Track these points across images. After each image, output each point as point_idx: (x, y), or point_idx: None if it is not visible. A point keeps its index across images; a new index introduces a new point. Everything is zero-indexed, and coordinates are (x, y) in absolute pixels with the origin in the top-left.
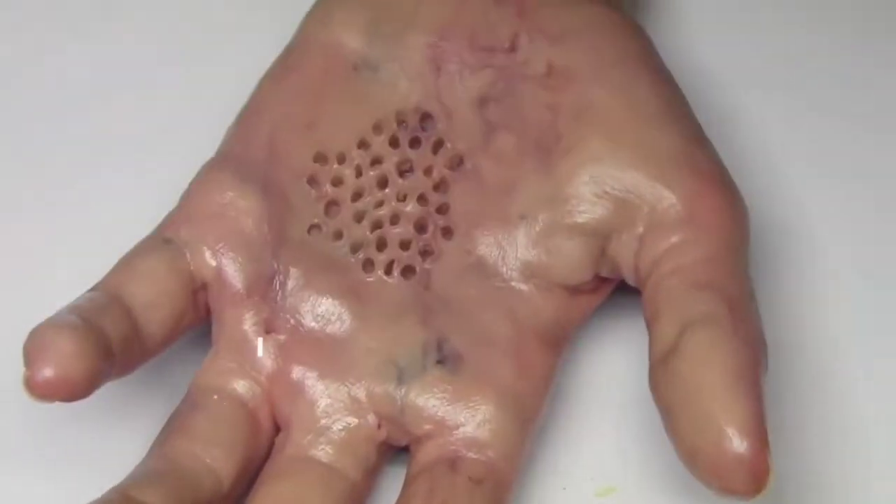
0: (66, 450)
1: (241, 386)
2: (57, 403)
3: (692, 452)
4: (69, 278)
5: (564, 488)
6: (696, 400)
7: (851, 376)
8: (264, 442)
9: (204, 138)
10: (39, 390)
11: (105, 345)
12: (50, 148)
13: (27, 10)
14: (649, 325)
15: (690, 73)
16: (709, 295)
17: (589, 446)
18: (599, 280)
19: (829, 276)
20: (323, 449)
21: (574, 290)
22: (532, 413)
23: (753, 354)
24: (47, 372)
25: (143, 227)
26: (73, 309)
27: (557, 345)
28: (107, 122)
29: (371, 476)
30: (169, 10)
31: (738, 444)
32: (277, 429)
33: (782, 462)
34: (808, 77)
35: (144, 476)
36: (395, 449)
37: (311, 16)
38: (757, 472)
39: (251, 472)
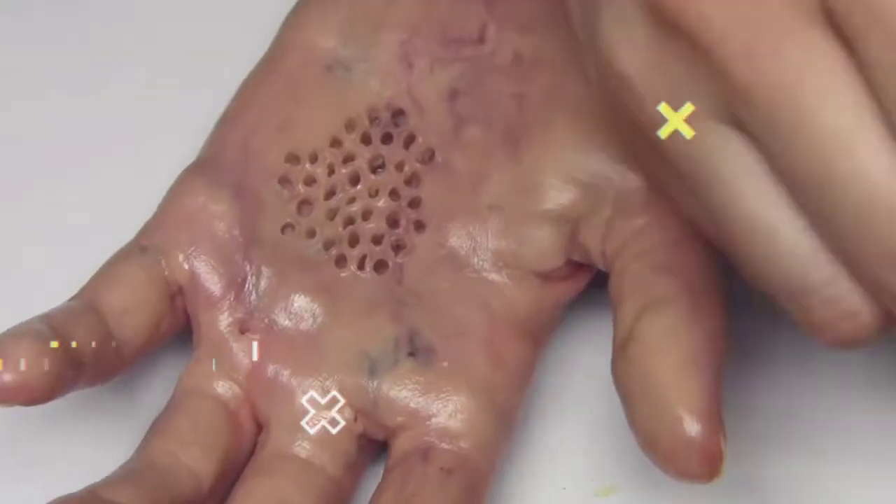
0: (53, 455)
1: (221, 387)
2: (19, 408)
3: (649, 438)
4: (52, 286)
5: (564, 488)
6: (651, 385)
7: (829, 363)
8: (246, 442)
9: (190, 146)
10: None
11: (70, 351)
12: (36, 153)
13: (28, 13)
14: (613, 311)
15: None
16: (669, 279)
17: (589, 446)
18: (574, 267)
19: None
20: (301, 445)
21: (547, 278)
22: (507, 404)
23: (711, 339)
24: (5, 377)
25: (128, 235)
26: (42, 317)
27: (534, 335)
28: (94, 131)
29: (353, 471)
30: (153, 19)
31: (689, 427)
32: (261, 428)
33: (758, 452)
34: None
35: (118, 476)
36: (377, 444)
37: (286, 22)
38: (710, 456)
39: (233, 473)
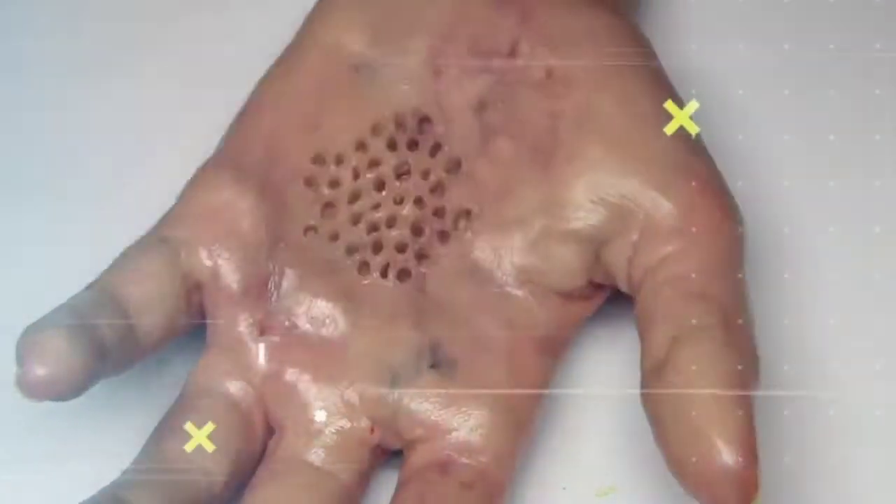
0: (61, 447)
1: (234, 387)
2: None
3: (681, 464)
4: (65, 276)
5: (564, 488)
6: (687, 412)
7: (843, 383)
8: (258, 444)
9: (203, 138)
10: (32, 389)
11: (98, 343)
12: (50, 145)
13: (27, 11)
14: (642, 335)
15: (687, 74)
16: (702, 306)
17: (589, 446)
18: (594, 286)
19: (822, 282)
20: (315, 452)
21: (568, 296)
22: (526, 419)
23: (745, 367)
24: (40, 371)
25: (141, 225)
26: (68, 308)
27: (553, 351)
28: (105, 122)
29: (364, 479)
30: (165, 7)
31: (726, 456)
32: (271, 431)
33: (771, 473)
34: (806, 79)
35: (135, 476)
36: (389, 452)
37: (311, 17)
38: (745, 486)
39: (244, 474)
